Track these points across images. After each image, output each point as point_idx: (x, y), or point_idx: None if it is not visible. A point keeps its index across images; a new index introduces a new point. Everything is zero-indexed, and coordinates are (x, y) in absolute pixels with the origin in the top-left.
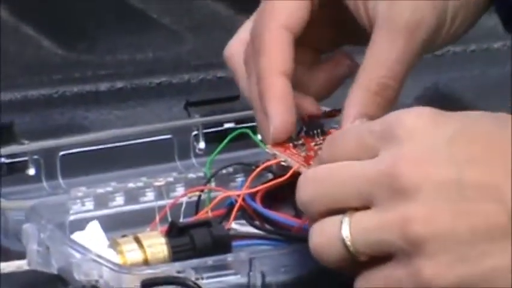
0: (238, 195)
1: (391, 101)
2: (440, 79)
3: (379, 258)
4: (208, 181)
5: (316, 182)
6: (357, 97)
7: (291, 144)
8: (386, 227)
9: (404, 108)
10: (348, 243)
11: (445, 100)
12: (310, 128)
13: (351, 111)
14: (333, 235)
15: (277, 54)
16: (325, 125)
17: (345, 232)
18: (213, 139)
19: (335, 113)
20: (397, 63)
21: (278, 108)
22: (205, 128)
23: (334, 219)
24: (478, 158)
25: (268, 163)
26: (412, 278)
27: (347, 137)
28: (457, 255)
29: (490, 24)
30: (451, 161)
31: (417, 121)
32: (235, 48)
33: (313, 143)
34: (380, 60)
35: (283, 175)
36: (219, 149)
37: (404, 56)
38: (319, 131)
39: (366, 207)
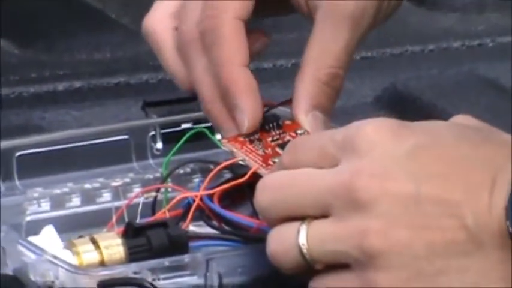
0: (196, 196)
1: (339, 91)
2: (398, 79)
3: (335, 267)
4: (165, 180)
5: (275, 188)
6: (307, 89)
7: (247, 140)
8: (342, 237)
9: (366, 119)
10: (304, 251)
11: (403, 100)
12: (266, 121)
13: (302, 104)
14: (290, 242)
15: (237, 46)
16: (281, 117)
17: (302, 240)
18: (171, 140)
19: (290, 102)
20: (344, 52)
21: (250, 101)
22: (163, 129)
23: (292, 227)
24: (437, 173)
25: (226, 163)
26: None
27: (309, 144)
28: (413, 270)
29: (448, 24)
30: (410, 176)
31: (378, 134)
32: (160, 24)
33: (269, 139)
34: (327, 50)
35: (242, 175)
36: (175, 148)
37: (350, 45)
38: (274, 124)
39: (324, 216)
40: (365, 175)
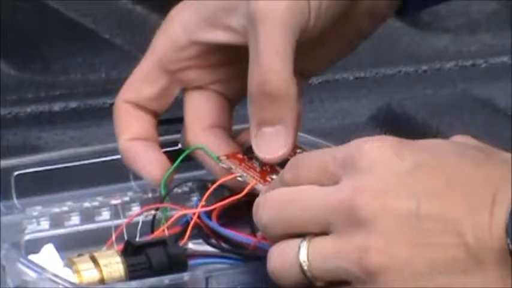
0: (194, 213)
1: (287, 97)
2: (393, 99)
3: (336, 284)
4: (164, 198)
5: (277, 204)
6: (249, 107)
7: (245, 157)
8: (343, 254)
9: (367, 137)
10: (305, 268)
11: (398, 119)
12: None
13: (253, 122)
14: (291, 259)
15: (121, 125)
16: None
17: (303, 257)
18: (169, 158)
19: None
20: (277, 56)
21: (142, 168)
22: (161, 148)
23: (293, 243)
24: (437, 191)
25: (224, 179)
26: None
27: (310, 161)
28: (414, 287)
29: (441, 45)
30: (410, 194)
31: (378, 152)
32: None
33: None
34: (257, 56)
35: (239, 192)
36: (173, 166)
37: (283, 48)
38: None
39: (325, 233)
40: (365, 192)
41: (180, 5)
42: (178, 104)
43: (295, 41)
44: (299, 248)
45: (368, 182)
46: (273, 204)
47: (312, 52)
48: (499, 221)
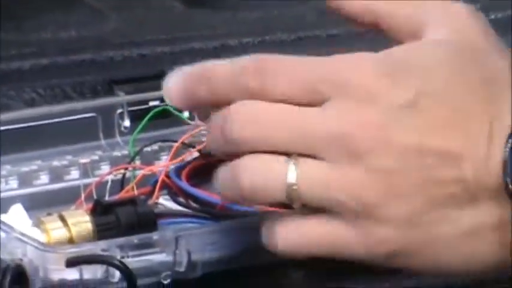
0: (160, 171)
1: None
2: None
3: (318, 210)
4: (133, 159)
5: (255, 123)
6: None
7: None
8: (339, 186)
9: (361, 53)
10: (294, 192)
11: None
12: None
13: None
14: (277, 179)
15: None
16: None
17: (291, 179)
18: (138, 117)
19: None
20: None
21: None
22: (130, 106)
23: (278, 162)
24: (440, 123)
25: (190, 134)
26: (359, 239)
27: (290, 72)
28: (409, 221)
29: None
30: (411, 127)
31: (377, 81)
32: None
33: None
34: None
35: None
36: (141, 125)
37: None
38: None
39: (312, 156)
40: (366, 125)
41: None
42: (150, 63)
43: None
44: (286, 168)
45: (368, 114)
46: (246, 118)
47: None
48: (496, 154)
